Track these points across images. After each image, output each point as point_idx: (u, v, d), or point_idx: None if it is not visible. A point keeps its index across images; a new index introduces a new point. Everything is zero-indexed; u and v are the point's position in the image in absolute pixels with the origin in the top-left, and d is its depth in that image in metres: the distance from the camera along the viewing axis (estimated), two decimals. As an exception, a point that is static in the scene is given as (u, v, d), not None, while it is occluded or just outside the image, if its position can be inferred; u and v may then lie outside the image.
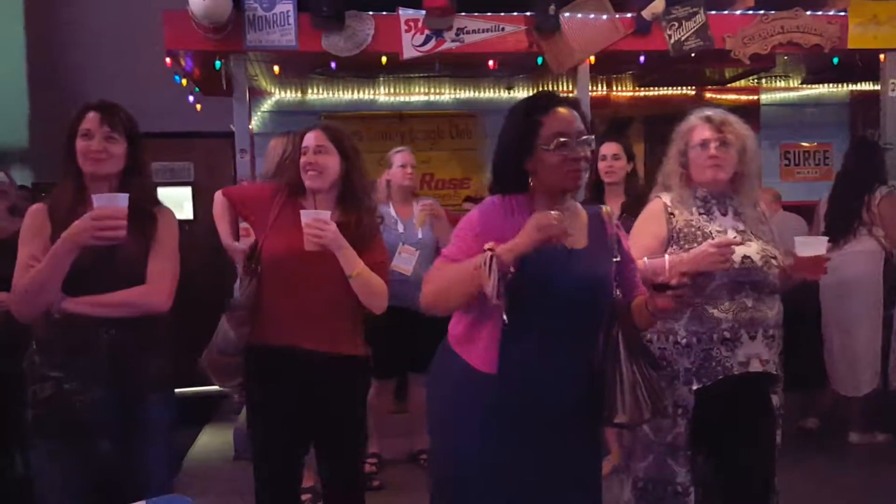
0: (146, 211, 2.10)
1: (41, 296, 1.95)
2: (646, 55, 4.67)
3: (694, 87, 5.98)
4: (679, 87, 5.94)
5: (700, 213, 2.32)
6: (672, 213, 2.32)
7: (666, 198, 2.36)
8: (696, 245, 2.22)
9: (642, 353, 1.86)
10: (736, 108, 5.93)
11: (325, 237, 2.19)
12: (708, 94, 6.00)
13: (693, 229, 2.28)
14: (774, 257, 2.28)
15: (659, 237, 2.29)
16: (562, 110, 1.84)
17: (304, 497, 3.48)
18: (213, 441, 4.73)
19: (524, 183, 1.86)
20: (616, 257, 1.90)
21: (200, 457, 4.44)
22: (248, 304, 2.35)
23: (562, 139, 1.79)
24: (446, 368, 1.93)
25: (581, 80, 4.69)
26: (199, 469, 4.16)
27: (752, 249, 2.26)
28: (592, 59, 4.56)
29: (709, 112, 2.36)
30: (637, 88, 5.95)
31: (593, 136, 1.87)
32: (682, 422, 2.25)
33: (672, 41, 4.51)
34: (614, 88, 5.93)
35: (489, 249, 1.65)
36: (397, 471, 3.97)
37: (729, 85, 6.01)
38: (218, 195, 2.79)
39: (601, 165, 3.62)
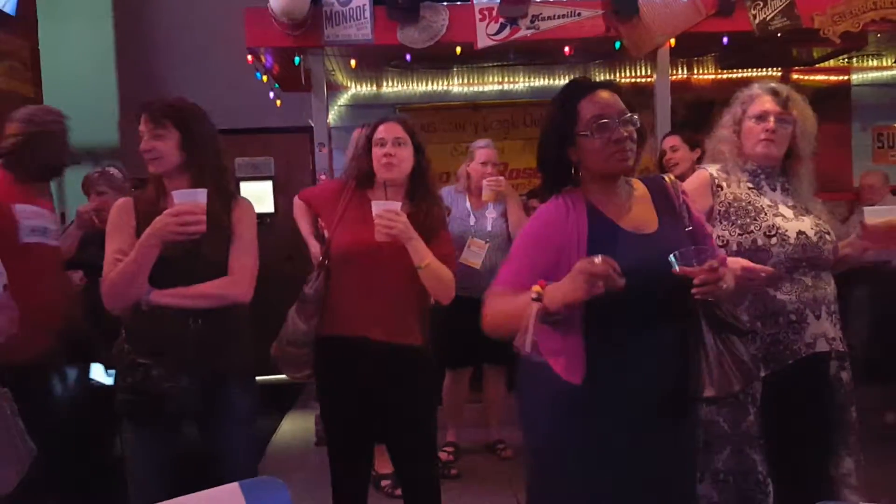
0: (226, 203, 2.16)
1: (129, 289, 2.03)
2: (729, 36, 4.50)
3: (780, 69, 5.73)
4: (764, 69, 5.71)
5: (749, 188, 2.23)
6: (720, 186, 2.23)
7: (712, 169, 2.27)
8: (747, 220, 2.16)
9: (724, 323, 1.76)
10: (825, 90, 5.75)
11: (396, 228, 2.20)
12: (795, 76, 5.74)
13: (743, 203, 2.20)
14: (828, 233, 2.18)
15: (701, 209, 2.18)
16: (599, 93, 1.77)
17: (384, 483, 3.55)
18: (295, 427, 4.86)
19: (570, 174, 1.81)
20: (688, 227, 1.82)
21: (283, 442, 4.57)
22: (317, 298, 2.38)
23: (601, 121, 1.73)
24: (532, 374, 1.87)
25: (661, 64, 4.57)
26: (283, 454, 4.29)
27: (806, 225, 2.16)
28: (673, 41, 4.43)
29: (775, 85, 2.26)
30: (719, 71, 5.76)
31: (636, 115, 1.77)
32: (752, 410, 2.16)
33: (756, 21, 4.33)
34: (695, 71, 5.76)
35: (536, 296, 1.61)
36: (474, 459, 3.99)
37: (818, 65, 5.73)
38: (296, 199, 2.86)
39: (664, 161, 3.57)
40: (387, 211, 2.21)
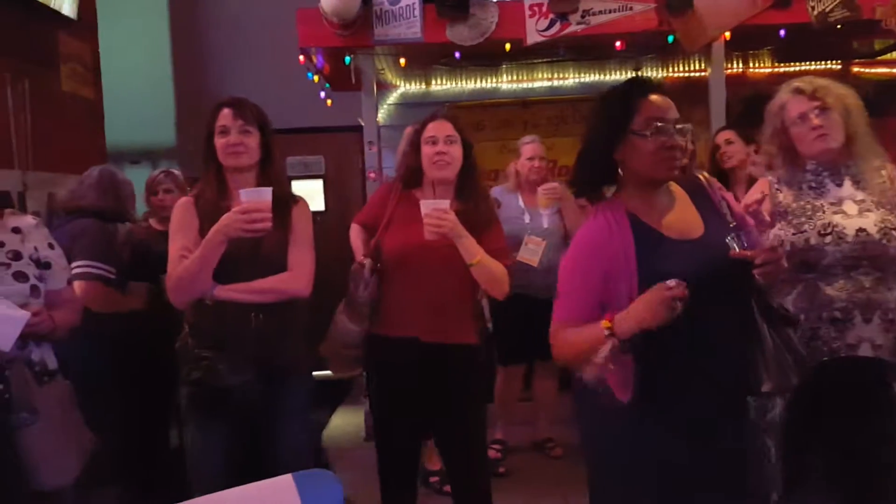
0: (285, 201, 2.20)
1: (194, 284, 2.09)
2: (786, 29, 4.38)
3: (839, 62, 5.55)
4: (823, 62, 5.54)
5: (811, 188, 2.19)
6: (779, 190, 2.22)
7: (773, 176, 2.26)
8: (802, 220, 2.13)
9: (779, 315, 1.74)
10: (887, 83, 5.54)
11: (445, 226, 2.20)
12: (855, 69, 5.56)
13: (802, 203, 2.17)
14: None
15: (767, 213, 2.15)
16: (657, 97, 1.74)
17: (432, 479, 3.56)
18: (344, 423, 4.92)
19: (611, 174, 1.77)
20: (731, 223, 1.77)
21: (334, 438, 4.63)
22: (368, 299, 2.39)
23: (659, 124, 1.69)
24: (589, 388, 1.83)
25: (715, 58, 4.47)
26: (333, 449, 4.33)
27: (869, 221, 2.09)
28: (728, 34, 4.33)
29: (796, 83, 2.22)
30: (776, 65, 5.60)
31: (690, 126, 1.74)
32: (779, 402, 2.12)
33: (815, 13, 4.20)
34: (751, 65, 5.61)
35: (609, 332, 1.61)
36: (522, 458, 3.98)
37: (879, 58, 5.54)
38: (353, 225, 2.76)
39: (718, 156, 3.51)
40: (435, 210, 2.21)
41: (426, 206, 2.23)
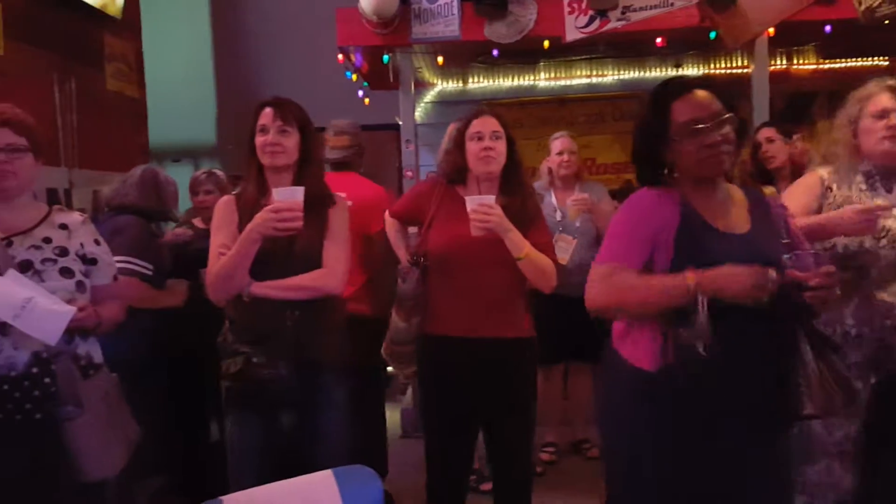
0: (321, 200, 2.22)
1: (231, 281, 2.11)
2: (832, 24, 4.29)
3: (887, 58, 5.41)
4: (869, 58, 5.42)
5: (861, 189, 2.14)
6: (829, 188, 2.16)
7: (823, 171, 2.21)
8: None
9: (824, 338, 1.70)
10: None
11: (492, 222, 2.20)
12: (903, 65, 5.43)
13: (855, 204, 2.11)
14: None
15: (808, 210, 2.13)
16: (694, 93, 1.71)
17: (470, 477, 3.54)
18: (380, 420, 4.93)
19: (663, 173, 1.76)
20: (785, 240, 1.74)
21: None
22: (415, 295, 2.40)
23: (696, 126, 1.66)
24: (611, 367, 1.85)
25: (759, 54, 4.40)
26: (369, 446, 4.35)
27: None
28: (772, 30, 4.25)
29: (891, 81, 2.18)
30: (821, 61, 5.49)
31: (733, 114, 1.71)
32: (851, 422, 2.07)
33: (862, 8, 4.08)
34: (795, 62, 5.51)
35: (694, 286, 1.58)
36: (559, 458, 3.94)
37: (928, 53, 5.39)
38: (386, 216, 2.80)
39: (761, 154, 3.43)
40: (481, 205, 2.21)
41: (472, 201, 2.23)
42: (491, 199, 2.24)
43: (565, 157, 3.74)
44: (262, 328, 2.14)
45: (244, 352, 2.14)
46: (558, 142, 3.79)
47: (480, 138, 2.37)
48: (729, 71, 5.43)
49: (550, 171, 3.81)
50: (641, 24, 4.18)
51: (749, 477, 1.70)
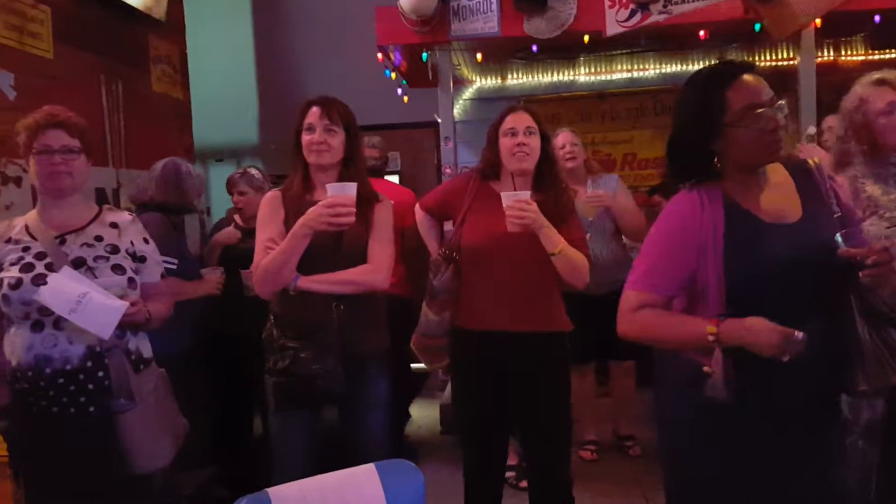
0: (366, 198, 2.24)
1: (280, 275, 2.14)
2: (881, 14, 4.17)
3: (938, 48, 5.26)
4: (920, 48, 5.26)
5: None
6: (864, 185, 2.14)
7: (855, 170, 2.19)
8: None
9: (879, 312, 1.63)
10: None
11: (528, 218, 2.19)
12: (957, 54, 5.26)
13: (893, 198, 2.10)
14: None
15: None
16: (747, 78, 1.64)
17: (508, 474, 3.55)
18: (420, 415, 4.95)
19: (710, 167, 1.69)
20: (836, 213, 1.68)
21: (410, 430, 4.67)
22: (446, 290, 2.41)
23: (756, 111, 1.60)
24: (668, 367, 1.80)
25: (805, 46, 4.29)
26: (410, 440, 4.38)
27: None
28: (818, 21, 4.15)
29: (877, 76, 2.16)
30: (870, 52, 5.34)
31: (784, 101, 1.64)
32: (879, 402, 2.01)
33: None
34: (843, 53, 5.36)
35: (714, 337, 1.56)
36: (600, 456, 3.90)
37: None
38: (417, 209, 2.79)
39: (822, 143, 3.34)
40: (517, 201, 2.20)
41: (507, 197, 2.22)
42: (527, 195, 2.24)
43: (567, 148, 3.60)
44: (308, 322, 2.16)
45: (290, 346, 2.17)
46: (559, 137, 3.64)
47: (514, 134, 2.37)
48: (774, 64, 5.31)
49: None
50: (684, 17, 4.12)
51: (808, 475, 1.66)
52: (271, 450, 2.28)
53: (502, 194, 2.25)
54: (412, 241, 3.12)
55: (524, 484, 3.26)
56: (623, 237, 3.72)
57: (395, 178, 6.32)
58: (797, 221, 1.67)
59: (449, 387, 4.72)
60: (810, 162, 1.76)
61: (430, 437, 4.50)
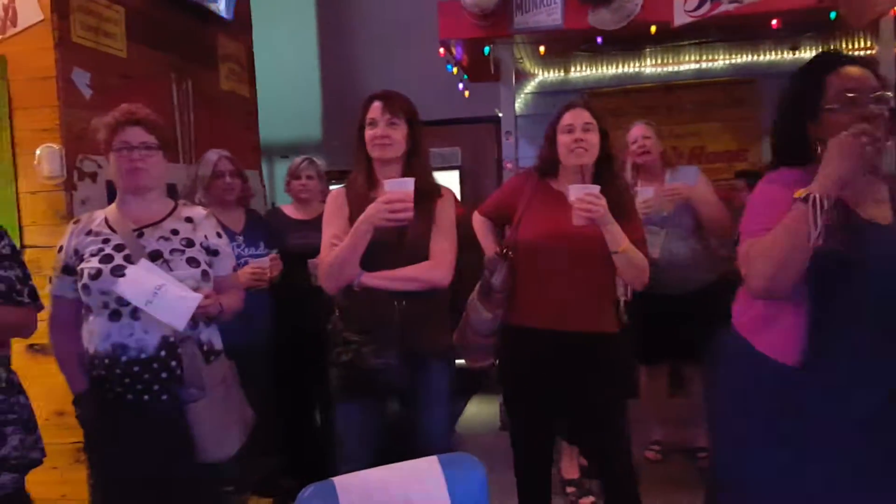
0: (428, 192, 2.24)
1: (344, 271, 2.17)
2: (969, -2, 3.94)
3: None
4: None
5: None
6: None
7: None
8: None
9: None
10: None
11: (597, 212, 2.16)
12: None
13: None
14: None
15: None
16: (849, 68, 1.63)
17: (569, 490, 3.45)
18: (480, 411, 4.96)
19: (808, 153, 1.66)
20: None
21: (469, 425, 4.68)
22: (503, 288, 2.39)
23: (851, 94, 1.58)
24: (734, 359, 1.76)
25: (884, 35, 4.09)
26: (469, 437, 4.39)
27: None
28: (899, 8, 3.96)
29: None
30: (954, 39, 5.06)
31: (891, 94, 1.60)
32: None
33: None
34: (925, 41, 5.11)
35: (805, 194, 1.50)
36: (670, 461, 3.80)
37: None
38: (475, 216, 2.77)
39: None
40: (588, 194, 2.17)
41: (576, 190, 2.19)
42: (596, 188, 2.20)
43: (640, 142, 3.47)
44: (372, 318, 2.18)
45: (353, 340, 2.20)
46: (633, 130, 3.54)
47: (571, 131, 2.34)
48: (851, 53, 5.10)
49: (634, 164, 3.52)
50: (755, 6, 3.97)
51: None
52: (333, 440, 2.31)
53: (571, 187, 2.22)
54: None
55: (585, 501, 3.22)
56: (708, 236, 3.51)
57: (455, 174, 6.34)
58: (890, 224, 1.63)
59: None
60: None
61: (488, 432, 4.50)
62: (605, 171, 2.38)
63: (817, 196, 1.48)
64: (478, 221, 2.74)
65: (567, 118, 2.37)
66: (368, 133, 2.24)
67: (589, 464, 2.53)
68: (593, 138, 2.35)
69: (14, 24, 3.09)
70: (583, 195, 2.17)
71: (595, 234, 2.21)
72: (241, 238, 3.13)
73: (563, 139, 2.36)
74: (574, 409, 2.41)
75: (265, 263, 2.99)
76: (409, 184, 2.07)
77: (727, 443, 1.80)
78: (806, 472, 1.62)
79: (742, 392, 1.74)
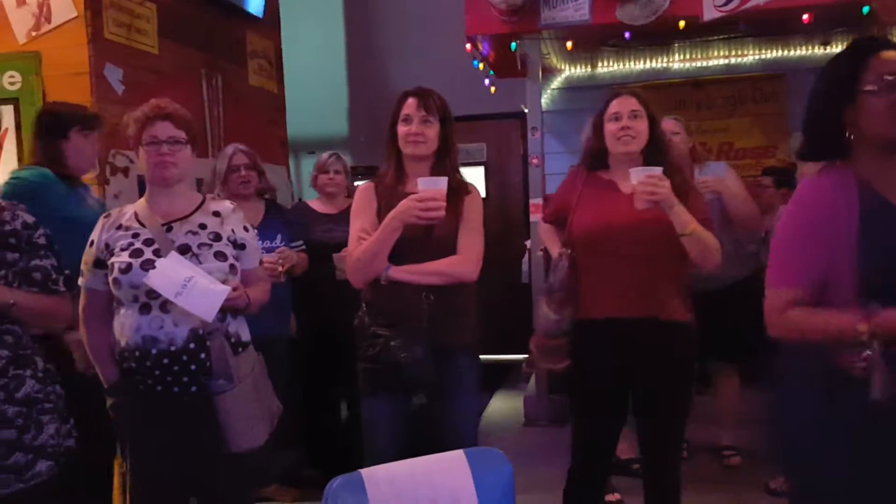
0: (457, 189, 2.24)
1: (371, 266, 2.18)
2: None
3: None
4: None
5: None
6: None
7: None
8: None
9: None
10: None
11: (661, 194, 2.12)
12: None
13: None
14: None
15: None
16: (891, 52, 1.57)
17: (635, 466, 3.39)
18: (504, 406, 4.96)
19: (841, 139, 1.60)
20: None
21: (493, 420, 4.68)
22: (563, 286, 2.36)
23: (891, 77, 1.52)
24: (801, 370, 1.67)
25: (918, 30, 4.03)
26: (493, 431, 4.38)
27: None
28: (934, 2, 3.89)
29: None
30: None
31: None
32: None
33: None
34: (961, 36, 5.00)
35: (865, 335, 1.45)
36: (695, 460, 3.67)
37: None
38: (541, 225, 2.75)
39: None
40: (650, 177, 2.13)
41: (637, 173, 2.15)
42: (658, 170, 2.16)
43: (667, 137, 3.46)
44: (399, 311, 2.19)
45: (380, 334, 2.21)
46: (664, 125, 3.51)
47: (618, 118, 2.32)
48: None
49: None
50: (786, 1, 3.93)
51: None
52: (359, 433, 2.33)
53: (632, 170, 2.19)
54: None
55: (610, 499, 3.16)
56: (737, 232, 3.47)
57: (480, 170, 6.33)
58: None
59: (533, 379, 4.71)
60: None
61: (513, 427, 4.50)
62: (655, 158, 2.31)
63: (880, 353, 1.44)
64: (543, 229, 2.74)
65: (613, 106, 2.35)
66: (402, 129, 2.25)
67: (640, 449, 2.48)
68: (640, 125, 2.32)
69: (48, 21, 3.15)
70: (644, 177, 2.13)
71: (653, 217, 2.18)
72: (255, 231, 3.16)
73: (609, 127, 2.34)
74: (640, 405, 2.38)
75: (273, 258, 3.00)
76: (442, 182, 2.08)
77: (793, 442, 1.71)
78: (867, 477, 1.54)
79: (813, 407, 1.63)
